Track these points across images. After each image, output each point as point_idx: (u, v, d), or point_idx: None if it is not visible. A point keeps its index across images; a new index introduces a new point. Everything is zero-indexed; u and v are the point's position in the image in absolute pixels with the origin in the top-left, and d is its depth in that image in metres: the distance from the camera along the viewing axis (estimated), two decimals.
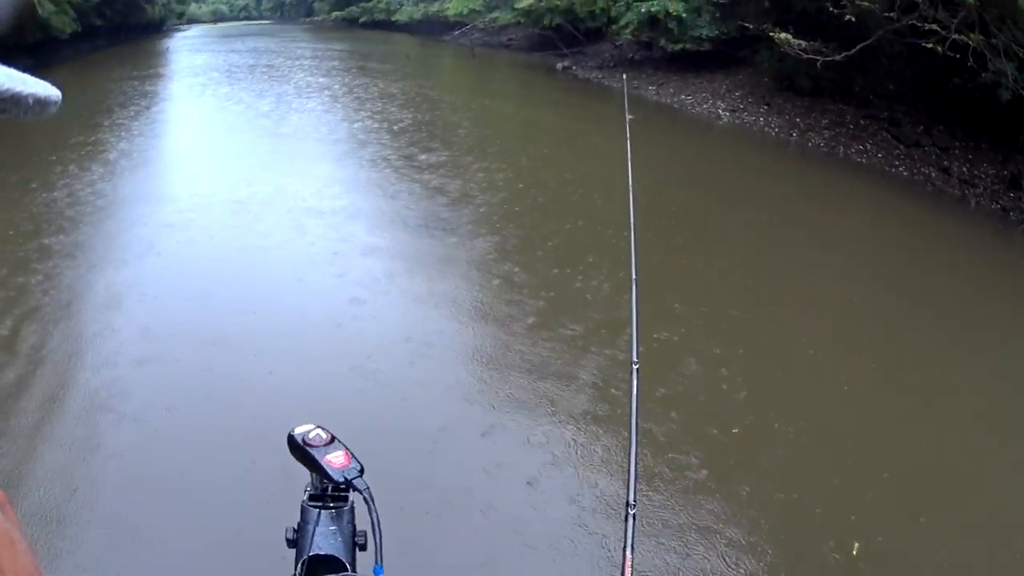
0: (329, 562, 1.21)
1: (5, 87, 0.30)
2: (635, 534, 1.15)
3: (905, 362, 4.14)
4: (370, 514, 1.15)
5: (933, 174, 7.92)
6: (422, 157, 8.20)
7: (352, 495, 1.30)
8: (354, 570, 1.22)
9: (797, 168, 8.78)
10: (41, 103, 0.32)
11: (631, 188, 2.43)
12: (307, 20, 40.87)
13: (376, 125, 10.30)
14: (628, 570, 1.09)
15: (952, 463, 3.28)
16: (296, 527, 1.28)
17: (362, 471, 1.23)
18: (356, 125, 10.51)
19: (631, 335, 1.70)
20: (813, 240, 6.13)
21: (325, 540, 1.24)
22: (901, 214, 7.11)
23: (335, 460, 1.22)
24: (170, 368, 3.78)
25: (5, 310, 4.31)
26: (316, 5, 40.91)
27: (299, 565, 1.20)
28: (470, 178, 7.33)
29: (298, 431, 1.27)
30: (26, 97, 0.31)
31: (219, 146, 9.58)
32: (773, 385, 3.81)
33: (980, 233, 6.73)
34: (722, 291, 4.97)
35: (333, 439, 1.26)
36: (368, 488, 1.19)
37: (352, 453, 1.25)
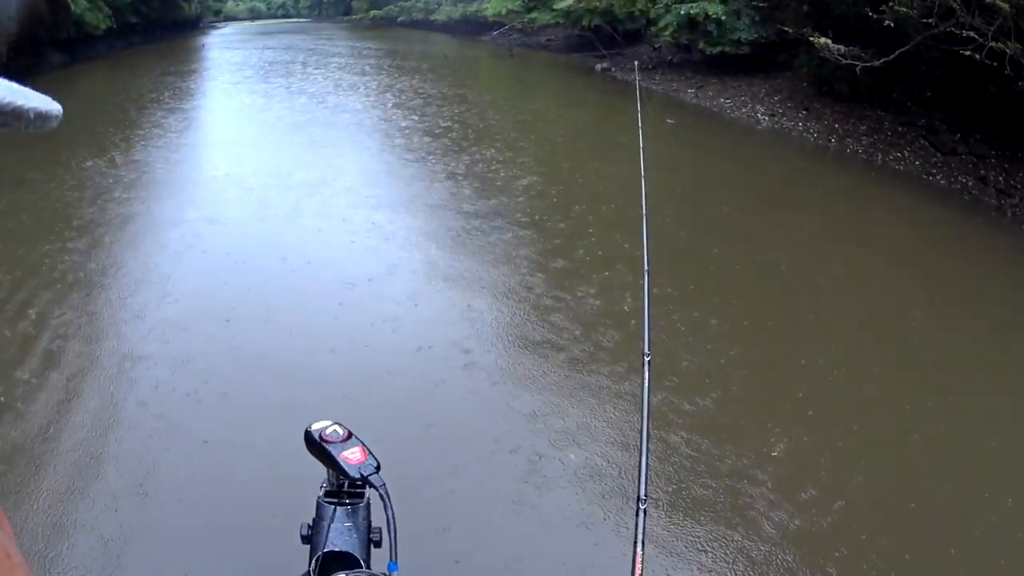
0: (344, 559, 1.20)
1: (6, 101, 0.31)
2: (645, 530, 1.13)
3: (937, 362, 4.27)
4: (386, 511, 1.15)
5: (970, 183, 7.99)
6: (459, 159, 8.51)
7: (368, 491, 1.30)
8: (369, 567, 1.22)
9: (835, 174, 8.91)
10: (42, 117, 0.33)
11: (643, 183, 2.55)
12: (345, 19, 41.19)
13: (411, 124, 10.67)
14: (639, 566, 1.07)
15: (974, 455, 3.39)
16: (311, 523, 1.28)
17: (378, 467, 1.22)
18: (390, 125, 10.88)
19: (644, 327, 1.72)
20: (850, 243, 6.29)
21: (340, 537, 1.24)
22: (937, 220, 7.23)
23: (352, 456, 1.22)
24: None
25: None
26: (354, 4, 41.26)
27: (313, 561, 1.20)
28: (505, 184, 7.62)
29: (315, 427, 1.27)
30: (27, 111, 0.32)
31: (253, 144, 9.96)
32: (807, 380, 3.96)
33: (1015, 242, 6.80)
34: (758, 290, 5.19)
35: (350, 435, 1.27)
36: (384, 485, 1.19)
37: (369, 449, 1.25)
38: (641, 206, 2.39)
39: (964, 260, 6.32)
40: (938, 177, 8.24)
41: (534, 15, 20.61)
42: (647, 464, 1.25)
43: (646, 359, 1.55)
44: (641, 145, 3.05)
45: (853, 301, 5.20)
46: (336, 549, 1.22)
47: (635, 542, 1.10)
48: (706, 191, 7.88)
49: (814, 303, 5.11)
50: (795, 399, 3.75)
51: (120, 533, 2.65)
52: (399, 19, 35.58)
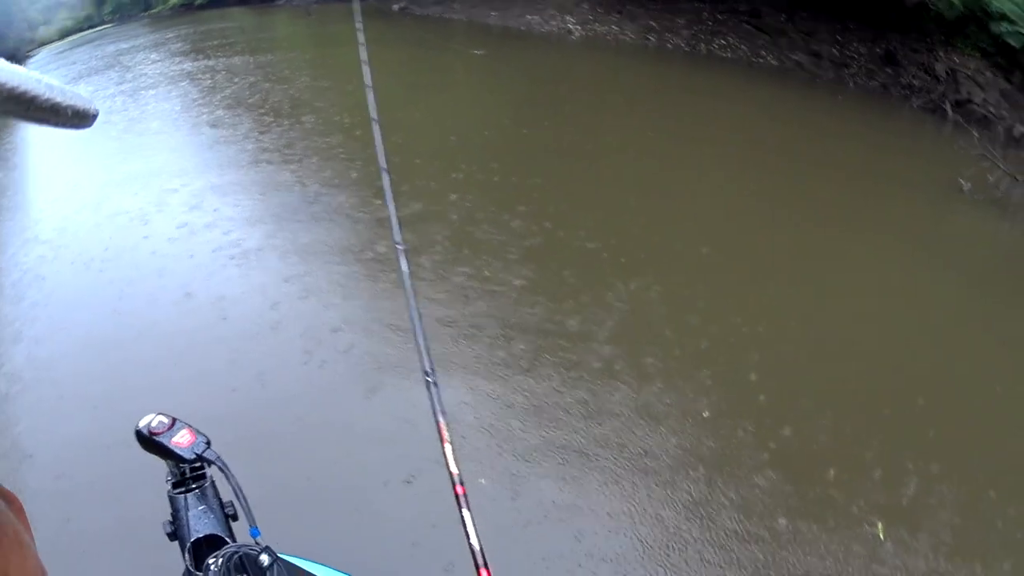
0: (211, 541, 1.21)
1: (46, 96, 0.31)
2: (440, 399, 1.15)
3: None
4: (229, 481, 1.17)
5: (803, 60, 7.09)
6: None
7: (208, 470, 1.31)
8: (234, 540, 1.22)
9: (658, 69, 7.75)
10: (80, 115, 0.34)
11: (370, 91, 1.90)
12: (147, 14, 38.66)
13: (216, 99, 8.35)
14: (444, 432, 1.11)
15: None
16: (171, 519, 1.28)
17: (209, 442, 1.24)
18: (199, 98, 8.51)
19: (391, 222, 1.54)
20: (684, 136, 5.10)
21: (199, 522, 1.25)
22: (778, 101, 6.20)
23: (182, 440, 1.23)
24: None
25: None
26: None
27: (186, 553, 1.19)
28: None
29: (142, 424, 1.23)
30: (66, 108, 0.33)
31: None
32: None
33: (863, 113, 5.89)
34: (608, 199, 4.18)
35: (174, 421, 1.26)
36: (219, 457, 1.21)
37: (195, 428, 1.26)
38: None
39: (811, 131, 5.30)
40: (769, 59, 7.30)
41: None
42: (424, 343, 1.24)
43: (400, 249, 1.47)
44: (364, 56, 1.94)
45: (712, 182, 4.04)
46: (201, 535, 1.22)
47: (434, 412, 1.16)
48: (523, 109, 6.46)
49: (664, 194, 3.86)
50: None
51: None
52: (197, 2, 33.14)
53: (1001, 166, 4.59)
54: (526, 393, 2.66)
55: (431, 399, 1.17)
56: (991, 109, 5.48)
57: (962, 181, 4.46)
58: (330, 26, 16.40)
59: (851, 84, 6.33)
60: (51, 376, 2.99)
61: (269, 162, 5.06)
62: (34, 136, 6.83)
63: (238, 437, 2.29)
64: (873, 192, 4.50)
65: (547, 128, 5.72)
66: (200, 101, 7.19)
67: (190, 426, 1.27)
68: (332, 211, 4.18)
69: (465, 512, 0.98)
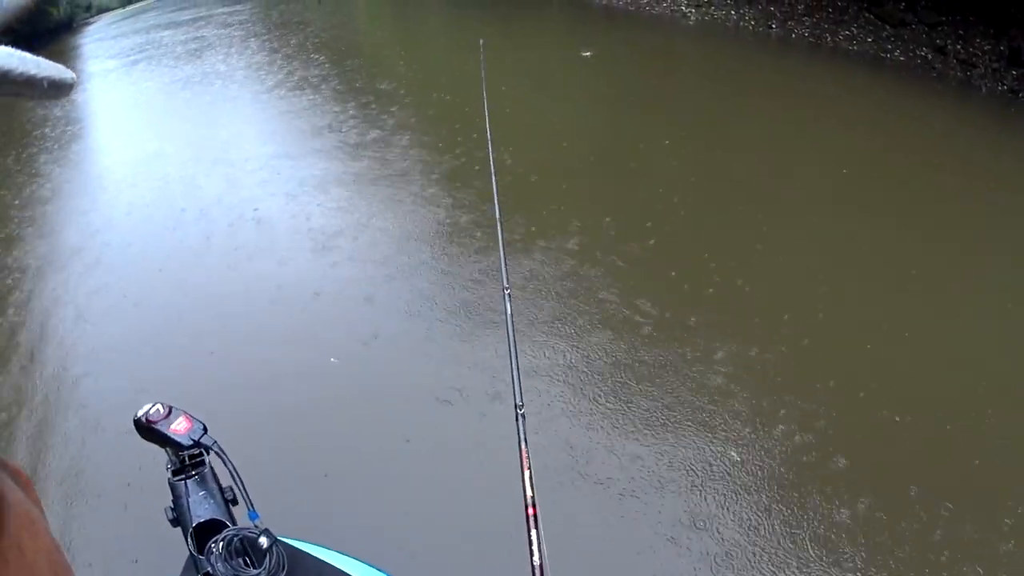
0: (212, 526, 1.26)
1: (20, 70, 0.31)
2: (526, 431, 1.32)
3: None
4: (226, 465, 1.22)
5: (929, 55, 7.68)
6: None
7: (207, 456, 1.36)
8: (235, 523, 1.28)
9: (781, 63, 8.37)
10: (56, 85, 0.34)
11: (488, 133, 2.85)
12: None
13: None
14: (526, 461, 1.23)
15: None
16: (172, 505, 1.32)
17: (206, 428, 1.29)
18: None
19: (501, 267, 1.95)
20: (812, 138, 5.91)
21: (200, 507, 1.29)
22: (906, 103, 6.86)
23: (179, 427, 1.27)
24: None
25: None
26: None
27: (188, 538, 1.24)
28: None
29: (139, 413, 1.30)
30: (41, 80, 0.32)
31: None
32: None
33: (995, 116, 6.54)
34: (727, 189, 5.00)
35: (171, 409, 1.31)
36: (216, 442, 1.26)
37: (191, 415, 1.30)
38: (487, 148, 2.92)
39: (936, 144, 6.00)
40: (896, 53, 7.89)
41: None
42: (518, 374, 1.46)
43: (506, 292, 1.82)
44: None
45: (843, 182, 5.00)
46: (202, 520, 1.26)
47: (519, 442, 1.28)
48: (638, 107, 7.16)
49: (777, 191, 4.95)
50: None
51: None
52: None
53: None
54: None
55: (518, 429, 1.32)
56: None
57: None
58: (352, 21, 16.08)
59: (982, 88, 6.97)
60: None
61: None
62: None
63: None
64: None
65: (664, 142, 6.26)
66: None
67: (187, 413, 1.32)
68: None
69: (533, 532, 1.08)
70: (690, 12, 10.20)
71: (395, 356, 3.62)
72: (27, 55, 0.32)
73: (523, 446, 1.27)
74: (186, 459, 1.37)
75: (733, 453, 2.84)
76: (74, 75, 0.36)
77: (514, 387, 1.43)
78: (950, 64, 7.48)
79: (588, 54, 9.06)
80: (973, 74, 7.25)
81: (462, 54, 9.96)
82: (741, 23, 9.44)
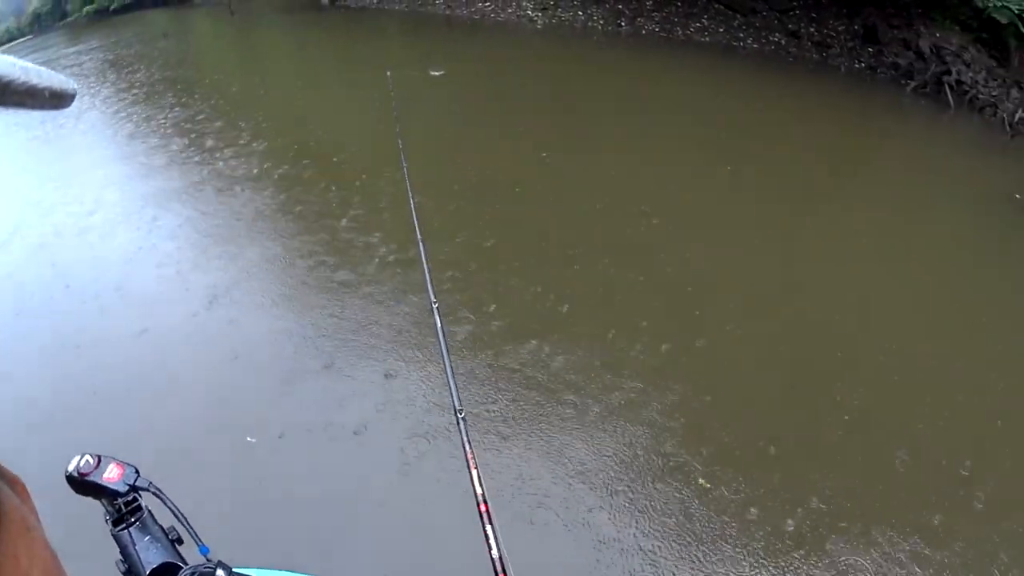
0: (166, 569, 1.22)
1: (21, 80, 0.31)
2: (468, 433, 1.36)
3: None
4: (166, 505, 1.21)
5: (783, 40, 7.21)
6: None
7: (142, 500, 1.31)
8: (186, 563, 1.24)
9: (635, 61, 7.69)
10: (57, 96, 0.34)
11: (401, 154, 2.35)
12: (62, 24, 36.90)
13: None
14: (472, 461, 1.28)
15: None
16: (121, 558, 1.27)
17: (138, 471, 1.26)
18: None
19: (426, 281, 1.79)
20: (673, 132, 5.21)
21: (149, 553, 1.26)
22: (763, 89, 6.29)
23: (112, 475, 1.24)
24: None
25: None
26: (69, 6, 36.52)
27: None
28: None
29: (70, 468, 1.22)
30: (42, 90, 0.32)
31: None
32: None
33: (859, 100, 6.05)
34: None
35: (100, 458, 1.26)
36: (151, 483, 1.25)
37: (121, 460, 1.26)
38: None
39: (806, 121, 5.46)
40: (749, 41, 7.37)
41: None
42: (454, 381, 1.48)
43: (434, 307, 1.74)
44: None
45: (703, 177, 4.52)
46: (155, 566, 1.22)
47: (463, 444, 1.34)
48: (485, 115, 6.29)
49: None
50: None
51: None
52: (111, 7, 31.41)
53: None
54: None
55: (461, 432, 1.36)
56: (981, 89, 5.72)
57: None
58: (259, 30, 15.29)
59: (841, 68, 6.49)
60: None
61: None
62: None
63: None
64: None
65: (522, 136, 5.62)
66: None
67: (115, 459, 1.27)
68: None
69: (488, 527, 1.14)
70: (537, 16, 9.48)
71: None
72: (29, 65, 0.32)
73: (467, 448, 1.32)
74: (122, 507, 1.27)
75: None
76: (75, 86, 0.36)
77: (452, 393, 1.48)
78: (805, 47, 7.01)
79: (438, 73, 7.95)
80: (829, 55, 6.80)
81: (312, 82, 8.70)
82: (589, 23, 8.79)
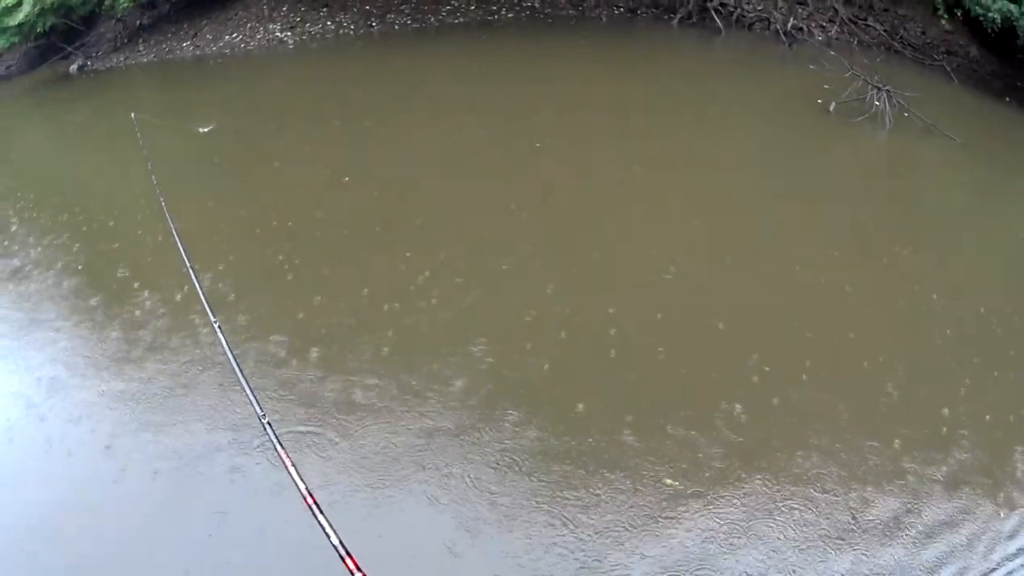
0: None
1: None
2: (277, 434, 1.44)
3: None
4: None
5: (536, 4, 6.76)
6: None
7: None
8: None
9: (392, 57, 7.01)
10: None
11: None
12: None
13: None
14: (288, 459, 1.35)
15: None
16: None
17: None
18: None
19: (203, 305, 1.99)
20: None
21: None
22: (533, 52, 5.77)
23: None
24: None
25: None
26: None
27: None
28: None
29: None
30: None
31: None
32: None
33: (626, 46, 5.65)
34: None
35: None
36: None
37: None
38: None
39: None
40: (503, 12, 6.86)
41: None
42: (250, 387, 1.58)
43: (216, 325, 1.89)
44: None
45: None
46: None
47: (275, 446, 1.43)
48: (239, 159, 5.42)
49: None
50: None
51: None
52: None
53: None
54: None
55: (269, 435, 1.47)
56: (746, 7, 5.48)
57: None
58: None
59: (601, 18, 6.09)
60: None
61: None
62: None
63: None
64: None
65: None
66: None
67: None
68: None
69: (321, 517, 1.20)
70: (287, 37, 8.59)
71: None
72: None
73: (279, 448, 1.36)
74: None
75: None
76: None
77: (251, 399, 1.51)
78: (559, 5, 6.58)
79: (207, 129, 6.65)
80: (585, 7, 6.37)
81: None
82: (341, 31, 8.02)
